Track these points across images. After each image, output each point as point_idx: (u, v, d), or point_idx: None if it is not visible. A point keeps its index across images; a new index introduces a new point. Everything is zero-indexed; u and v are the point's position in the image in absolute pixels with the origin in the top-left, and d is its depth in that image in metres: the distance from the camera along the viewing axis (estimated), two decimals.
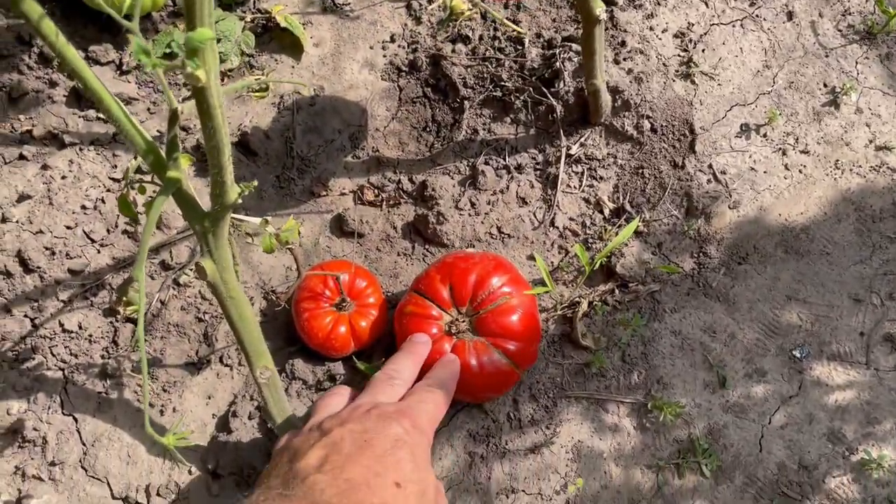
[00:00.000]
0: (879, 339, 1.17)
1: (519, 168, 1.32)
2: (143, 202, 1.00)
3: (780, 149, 1.28)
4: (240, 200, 0.82)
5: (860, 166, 1.27)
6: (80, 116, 1.40)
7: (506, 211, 1.29)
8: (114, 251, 1.30)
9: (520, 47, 1.35)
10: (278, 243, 0.94)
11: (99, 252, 1.30)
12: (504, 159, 1.32)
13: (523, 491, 1.10)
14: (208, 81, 0.69)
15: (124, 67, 1.42)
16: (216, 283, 0.89)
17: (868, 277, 1.20)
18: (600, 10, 1.06)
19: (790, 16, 1.36)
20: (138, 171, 0.98)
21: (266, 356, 0.98)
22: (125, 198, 0.92)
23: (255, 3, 1.49)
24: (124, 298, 1.01)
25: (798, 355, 1.16)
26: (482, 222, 1.29)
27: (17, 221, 1.33)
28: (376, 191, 1.34)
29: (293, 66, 1.44)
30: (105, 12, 0.64)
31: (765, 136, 1.29)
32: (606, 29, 1.35)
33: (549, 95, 1.30)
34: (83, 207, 1.34)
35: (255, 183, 0.83)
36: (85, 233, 1.31)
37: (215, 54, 0.70)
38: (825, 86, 1.32)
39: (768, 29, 1.35)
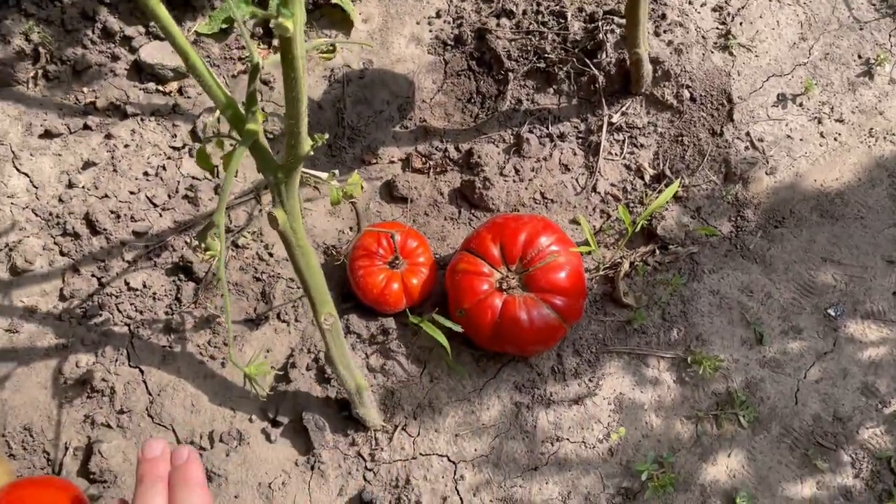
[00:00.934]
0: None
1: (562, 136, 1.37)
2: (220, 156, 1.07)
3: (815, 117, 1.32)
4: (311, 152, 0.89)
5: (894, 134, 1.31)
6: (140, 89, 1.47)
7: (549, 177, 1.35)
8: (175, 215, 1.37)
9: (562, 20, 1.40)
10: (343, 197, 1.00)
11: (161, 216, 1.37)
12: (547, 128, 1.37)
13: (567, 439, 1.15)
14: (295, 31, 0.75)
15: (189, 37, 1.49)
16: (286, 232, 0.96)
17: None
18: None
19: None
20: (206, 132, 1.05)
21: (330, 304, 1.04)
22: (203, 150, 0.99)
23: None
24: (203, 244, 1.07)
25: (833, 314, 1.21)
26: (526, 188, 1.34)
27: (83, 187, 1.40)
28: (424, 159, 1.40)
29: (343, 45, 1.50)
30: None
31: (801, 105, 1.33)
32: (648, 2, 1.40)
33: (591, 66, 1.36)
34: (145, 174, 1.41)
35: (326, 135, 0.89)
36: (148, 198, 1.38)
37: (302, 7, 0.76)
38: (859, 57, 1.36)
39: (804, 3, 1.39)
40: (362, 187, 1.32)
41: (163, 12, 0.75)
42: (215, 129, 1.02)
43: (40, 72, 1.49)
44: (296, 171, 0.93)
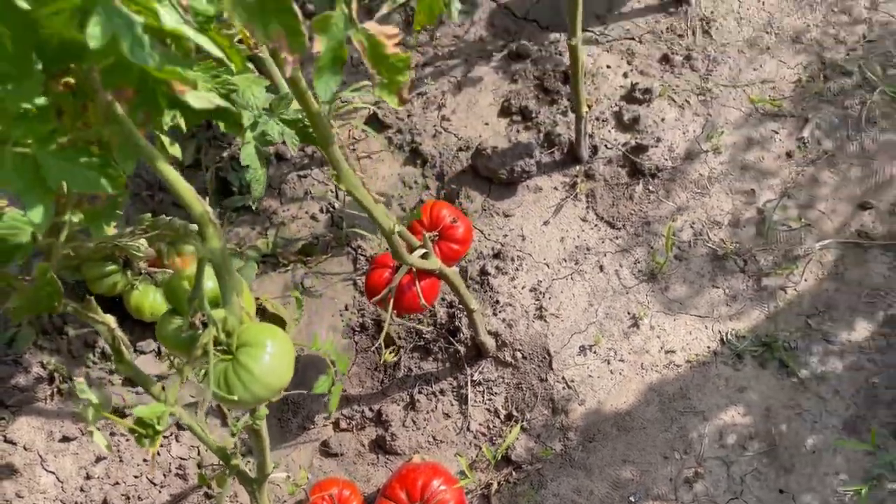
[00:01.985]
0: (682, 482, 1.84)
1: (442, 392, 1.98)
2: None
3: (605, 360, 1.98)
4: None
5: (657, 365, 1.98)
6: (133, 392, 2.00)
7: (437, 424, 1.94)
8: (171, 489, 1.88)
9: (433, 311, 2.05)
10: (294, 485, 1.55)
11: (160, 492, 1.88)
12: (431, 387, 1.98)
13: None
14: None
15: (162, 354, 2.05)
16: None
17: (670, 441, 1.88)
18: (475, 304, 1.76)
19: (601, 268, 2.10)
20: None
21: None
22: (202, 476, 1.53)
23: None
24: None
25: (633, 500, 1.82)
26: (422, 434, 1.93)
27: (98, 477, 1.90)
28: (348, 420, 1.97)
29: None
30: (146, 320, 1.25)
31: (595, 352, 1.99)
32: (485, 291, 2.07)
33: (454, 342, 1.99)
34: (144, 460, 1.92)
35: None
36: (148, 479, 1.89)
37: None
38: (629, 313, 2.04)
39: (588, 279, 2.09)
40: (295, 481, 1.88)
41: (128, 358, 1.30)
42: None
43: (55, 390, 2.01)
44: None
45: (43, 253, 1.06)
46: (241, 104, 0.96)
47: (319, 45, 0.70)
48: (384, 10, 1.02)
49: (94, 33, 0.55)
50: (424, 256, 1.57)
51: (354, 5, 0.70)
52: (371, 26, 0.73)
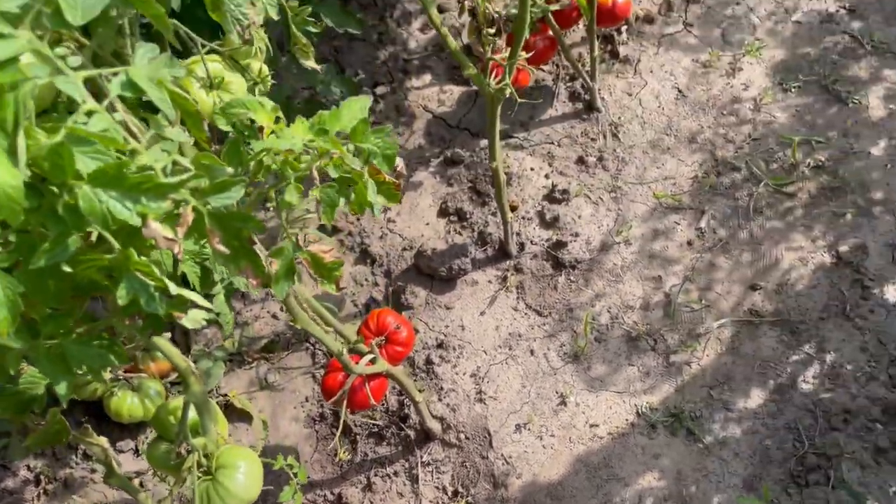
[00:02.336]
0: None
1: (395, 473, 2.22)
2: None
3: (538, 436, 2.25)
4: None
5: (583, 438, 2.25)
6: (115, 489, 2.20)
7: (392, 503, 2.18)
8: None
9: (384, 401, 2.30)
10: None
11: None
12: (385, 469, 2.22)
13: None
14: None
15: (140, 452, 2.26)
16: None
17: None
18: (419, 396, 2.02)
19: (532, 353, 2.38)
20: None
21: None
22: None
23: (216, 391, 2.38)
24: None
25: None
26: None
27: None
28: None
29: (247, 429, 2.32)
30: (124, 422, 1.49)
31: (529, 430, 2.26)
32: (431, 378, 2.33)
33: (405, 427, 2.24)
34: None
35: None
36: None
37: None
38: (557, 392, 2.32)
39: (521, 362, 2.37)
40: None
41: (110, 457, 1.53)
42: None
43: (42, 491, 2.20)
44: None
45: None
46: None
47: (276, 266, 0.97)
48: None
49: (121, 294, 0.82)
50: (373, 360, 1.84)
51: (301, 235, 0.98)
52: (312, 247, 1.01)
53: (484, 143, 2.79)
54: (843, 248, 2.46)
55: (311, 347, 2.46)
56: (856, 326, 2.32)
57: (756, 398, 2.26)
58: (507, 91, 1.93)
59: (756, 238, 2.52)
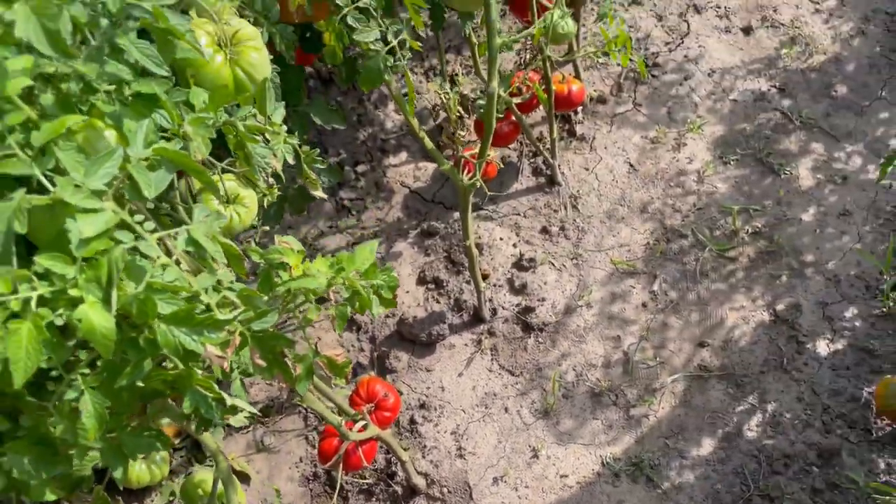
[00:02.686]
0: None
1: None
2: None
3: (514, 488, 2.48)
4: None
5: (554, 488, 2.49)
6: None
7: None
8: None
9: (373, 460, 2.52)
10: None
11: None
12: None
13: None
14: None
15: None
16: None
17: None
18: (405, 456, 2.25)
19: (506, 410, 2.63)
20: None
21: None
22: None
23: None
24: None
25: None
26: None
27: None
28: None
29: (246, 489, 2.51)
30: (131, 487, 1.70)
31: (505, 482, 2.49)
32: (415, 437, 2.56)
33: (392, 484, 2.46)
34: None
35: None
36: None
37: None
38: (529, 447, 2.56)
39: (497, 420, 2.61)
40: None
41: None
42: None
43: None
44: None
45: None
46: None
47: (298, 369, 1.21)
48: None
49: (186, 405, 1.05)
50: (365, 426, 2.07)
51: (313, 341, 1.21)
52: (326, 352, 1.25)
53: (457, 215, 3.06)
54: (780, 307, 2.76)
55: (304, 411, 2.67)
56: (792, 378, 2.61)
57: (707, 446, 2.52)
58: (478, 184, 2.20)
59: (703, 299, 2.81)
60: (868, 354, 2.63)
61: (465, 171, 2.24)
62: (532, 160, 3.18)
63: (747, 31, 3.53)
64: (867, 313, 2.73)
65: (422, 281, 2.92)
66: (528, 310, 2.79)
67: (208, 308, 1.04)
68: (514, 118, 2.85)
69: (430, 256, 2.98)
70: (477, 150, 2.22)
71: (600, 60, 3.43)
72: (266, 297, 1.14)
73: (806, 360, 2.64)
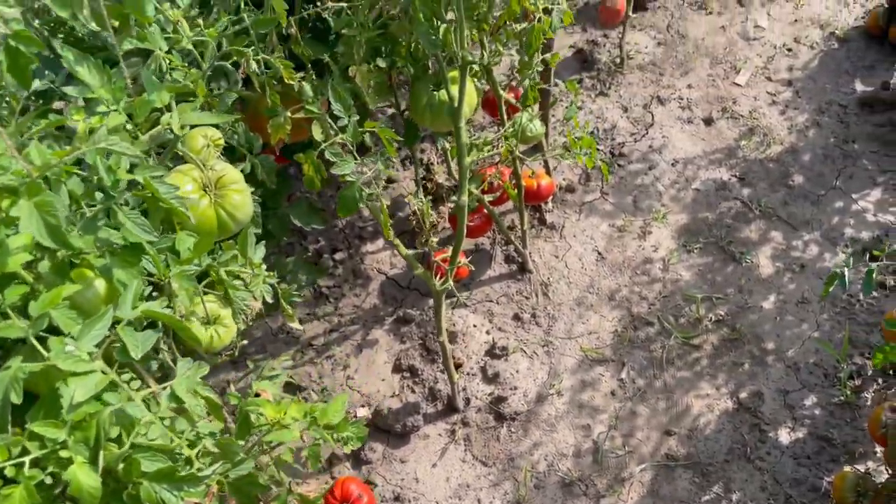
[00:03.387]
0: None
1: None
2: None
3: None
4: None
5: None
6: None
7: None
8: None
9: None
10: None
11: None
12: None
13: None
14: None
15: None
16: None
17: None
18: None
19: (479, 501, 2.68)
20: None
21: None
22: None
23: None
24: None
25: None
26: None
27: None
28: None
29: None
30: None
31: None
32: None
33: None
34: None
35: None
36: None
37: None
38: None
39: None
40: None
41: None
42: None
43: None
44: None
45: None
46: None
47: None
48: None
49: None
50: None
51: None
52: (302, 489, 1.32)
53: (432, 301, 3.16)
54: (743, 395, 2.86)
55: None
56: (756, 467, 2.70)
57: None
58: (450, 287, 2.30)
59: (669, 387, 2.91)
60: (827, 443, 2.73)
61: (438, 276, 2.34)
62: (505, 248, 3.30)
63: (708, 121, 3.72)
64: (826, 401, 2.84)
65: (397, 369, 2.99)
66: (501, 399, 2.86)
67: (188, 461, 1.11)
68: (486, 211, 2.97)
69: (406, 344, 3.05)
70: (450, 252, 2.33)
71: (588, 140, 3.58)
72: (242, 443, 1.21)
73: (769, 448, 2.74)
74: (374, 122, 1.80)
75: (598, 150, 3.62)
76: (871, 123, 3.67)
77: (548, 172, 3.28)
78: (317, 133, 1.64)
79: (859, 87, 3.83)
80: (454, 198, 2.90)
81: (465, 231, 3.08)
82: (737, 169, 3.54)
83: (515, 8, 1.87)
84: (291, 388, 2.95)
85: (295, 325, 1.69)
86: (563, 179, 3.50)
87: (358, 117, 1.77)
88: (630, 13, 3.76)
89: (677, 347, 2.99)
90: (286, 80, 1.54)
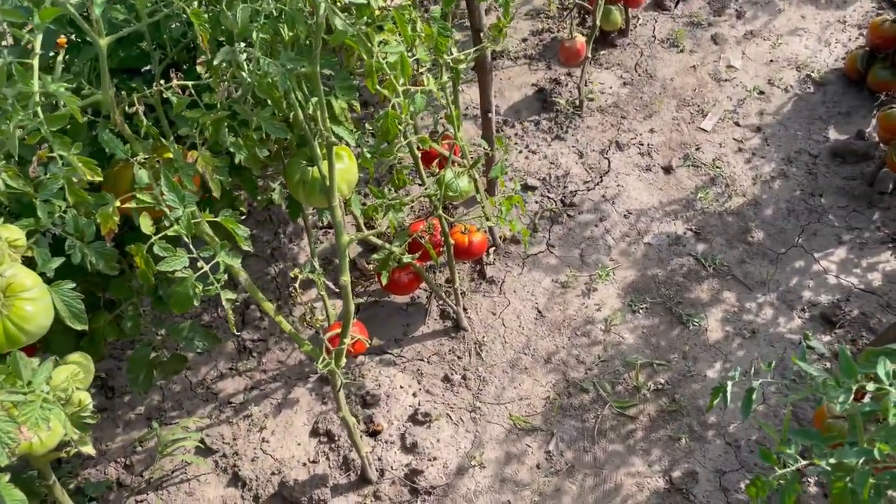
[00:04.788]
0: None
1: None
2: None
3: None
4: None
5: None
6: None
7: None
8: None
9: None
10: None
11: None
12: None
13: None
14: None
15: None
16: None
17: None
18: None
19: None
20: None
21: None
22: None
23: None
24: None
25: None
26: None
27: None
28: None
29: None
30: None
31: None
32: None
33: None
34: None
35: None
36: None
37: None
38: None
39: None
40: None
41: None
42: None
43: None
44: None
45: None
46: None
47: None
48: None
49: None
50: None
51: None
52: None
53: (360, 358, 3.02)
54: (676, 474, 2.68)
55: None
56: None
57: None
58: (341, 366, 2.16)
59: (599, 461, 2.73)
60: None
61: (329, 354, 2.20)
62: (440, 302, 3.15)
63: (668, 169, 3.53)
64: None
65: (315, 433, 2.85)
66: (417, 472, 2.71)
67: None
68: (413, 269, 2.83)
69: (327, 405, 2.92)
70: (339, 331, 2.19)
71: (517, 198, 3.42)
72: None
73: None
74: (241, 202, 1.67)
75: (548, 197, 3.46)
76: (840, 176, 3.45)
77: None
78: (145, 225, 1.51)
79: (833, 134, 3.62)
80: (375, 255, 2.78)
81: (397, 286, 2.97)
82: (693, 222, 3.35)
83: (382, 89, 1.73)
84: (205, 447, 2.82)
85: (87, 449, 1.54)
86: (508, 231, 3.34)
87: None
88: (589, 54, 3.59)
89: (612, 418, 2.82)
90: (88, 178, 1.42)
